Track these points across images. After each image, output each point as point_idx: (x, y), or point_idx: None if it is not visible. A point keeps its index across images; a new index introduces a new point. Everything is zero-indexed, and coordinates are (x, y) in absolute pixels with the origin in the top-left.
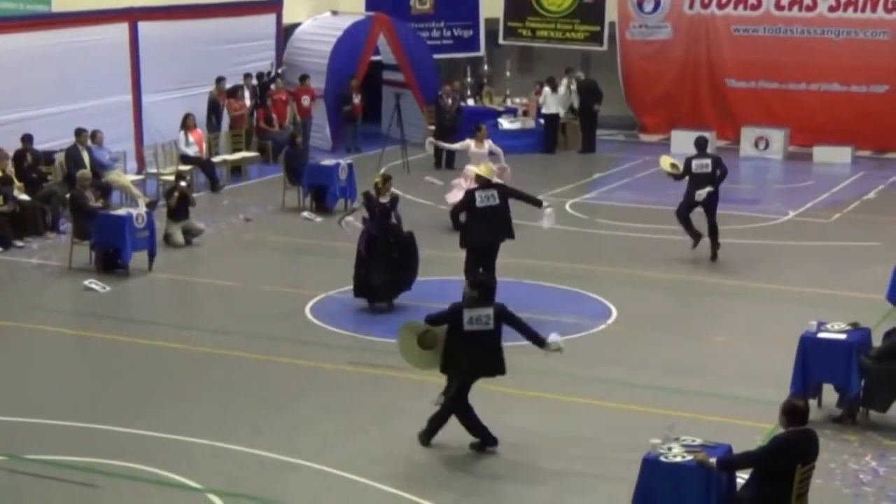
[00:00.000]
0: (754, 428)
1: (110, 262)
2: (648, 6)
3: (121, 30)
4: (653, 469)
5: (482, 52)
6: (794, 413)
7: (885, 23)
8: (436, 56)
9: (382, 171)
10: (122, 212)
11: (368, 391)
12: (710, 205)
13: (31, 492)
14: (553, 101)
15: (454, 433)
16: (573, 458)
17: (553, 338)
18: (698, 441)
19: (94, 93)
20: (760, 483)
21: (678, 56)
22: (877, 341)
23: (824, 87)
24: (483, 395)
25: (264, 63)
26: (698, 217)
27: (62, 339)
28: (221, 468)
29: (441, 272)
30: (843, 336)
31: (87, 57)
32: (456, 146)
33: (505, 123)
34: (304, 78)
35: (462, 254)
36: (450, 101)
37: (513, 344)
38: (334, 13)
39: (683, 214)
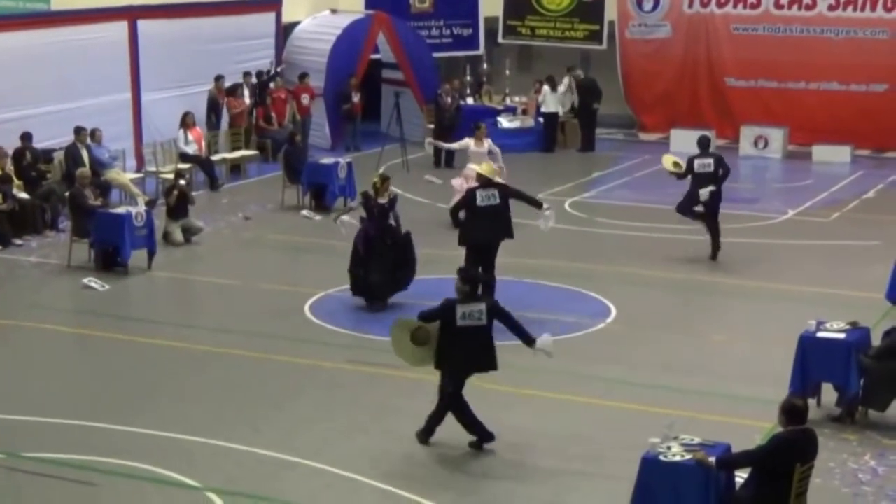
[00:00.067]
0: (753, 427)
1: (109, 261)
2: (648, 5)
3: (120, 28)
4: (652, 468)
5: (481, 50)
6: (793, 412)
7: (884, 22)
8: (435, 55)
9: (381, 170)
10: (121, 210)
11: (367, 390)
12: (713, 204)
13: (29, 490)
14: (552, 100)
15: (453, 432)
16: (572, 457)
17: (544, 338)
18: (697, 440)
19: (93, 91)
20: (759, 482)
21: (677, 55)
22: (876, 340)
23: (823, 87)
24: (482, 394)
25: (264, 61)
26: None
27: (61, 337)
28: (220, 466)
29: (440, 270)
30: (842, 335)
31: (86, 55)
32: (455, 145)
33: (504, 122)
34: (303, 76)
35: (461, 252)
36: (449, 99)
37: (512, 343)
38: (334, 11)
39: (685, 209)
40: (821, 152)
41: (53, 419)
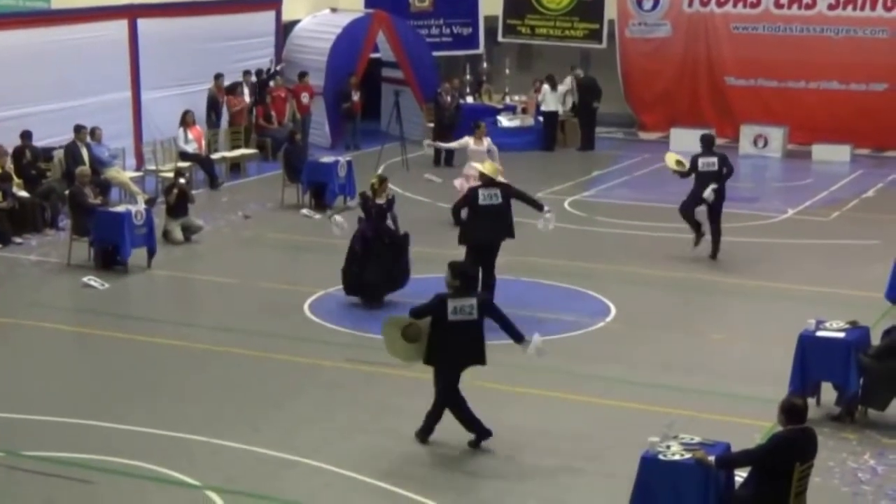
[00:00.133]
0: (753, 426)
1: (109, 259)
2: (648, 4)
3: (120, 27)
4: (651, 467)
5: (481, 49)
6: (792, 411)
7: (884, 21)
8: (435, 53)
9: (381, 170)
10: (121, 208)
11: (367, 388)
12: (716, 204)
13: (29, 488)
14: (552, 99)
15: (452, 432)
16: (572, 456)
17: (535, 338)
18: (697, 439)
19: (93, 89)
20: (759, 481)
21: (677, 54)
22: (875, 339)
23: (823, 86)
24: (482, 393)
25: (263, 60)
26: (701, 216)
27: (61, 335)
28: (220, 465)
29: (440, 269)
30: (841, 334)
31: (86, 54)
32: (454, 145)
33: (504, 121)
34: (303, 75)
35: (461, 251)
36: (449, 98)
37: (510, 343)
38: (333, 10)
39: (688, 210)
40: (820, 151)
41: (53, 418)
